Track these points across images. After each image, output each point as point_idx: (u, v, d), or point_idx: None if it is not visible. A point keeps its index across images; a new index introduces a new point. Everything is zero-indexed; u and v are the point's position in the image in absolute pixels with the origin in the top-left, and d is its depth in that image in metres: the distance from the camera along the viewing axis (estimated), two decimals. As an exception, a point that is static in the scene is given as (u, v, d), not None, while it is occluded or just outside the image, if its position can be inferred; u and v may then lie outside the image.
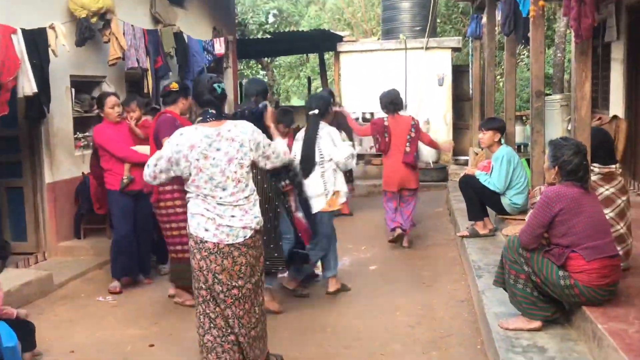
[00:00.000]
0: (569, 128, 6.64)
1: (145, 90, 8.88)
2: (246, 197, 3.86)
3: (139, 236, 6.41)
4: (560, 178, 4.06)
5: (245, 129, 3.88)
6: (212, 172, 3.76)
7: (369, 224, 8.94)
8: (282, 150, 4.13)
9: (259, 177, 5.12)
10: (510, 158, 6.49)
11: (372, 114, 13.00)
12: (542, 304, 4.13)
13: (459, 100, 14.08)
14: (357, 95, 13.48)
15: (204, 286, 3.85)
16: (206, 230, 3.78)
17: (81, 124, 8.21)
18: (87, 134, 8.25)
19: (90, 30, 7.60)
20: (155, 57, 9.16)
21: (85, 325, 5.43)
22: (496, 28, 10.39)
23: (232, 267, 3.82)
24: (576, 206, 3.93)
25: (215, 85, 3.92)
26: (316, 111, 5.75)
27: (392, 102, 7.32)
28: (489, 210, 6.84)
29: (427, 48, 13.35)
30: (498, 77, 15.88)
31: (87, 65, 8.06)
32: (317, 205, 5.69)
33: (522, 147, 11.10)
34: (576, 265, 3.92)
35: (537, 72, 6.27)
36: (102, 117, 6.46)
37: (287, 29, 21.43)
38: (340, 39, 14.06)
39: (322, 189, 5.69)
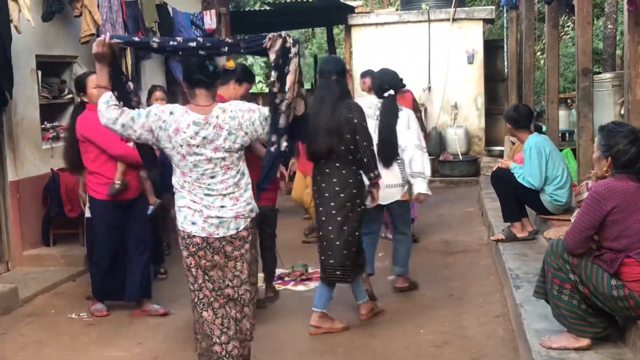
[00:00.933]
0: (622, 112, 6.61)
1: (124, 72, 8.89)
2: (236, 184, 4.02)
3: (132, 254, 6.01)
4: (612, 170, 4.04)
5: (235, 114, 4.00)
6: (197, 160, 3.93)
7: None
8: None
9: (343, 171, 5.23)
10: (540, 148, 6.45)
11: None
12: (591, 318, 4.12)
13: (492, 80, 14.05)
14: (372, 76, 13.46)
15: (195, 286, 4.02)
16: (193, 223, 3.95)
17: (49, 112, 8.24)
18: (56, 123, 8.29)
19: (59, 3, 7.62)
20: (135, 33, 9.18)
21: (55, 346, 5.46)
22: (536, -5, 10.36)
23: (225, 264, 3.97)
24: (631, 204, 3.92)
25: (207, 62, 4.03)
26: (392, 92, 6.08)
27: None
28: (528, 209, 6.83)
29: (454, 20, 13.33)
30: (538, 53, 15.84)
31: (55, 44, 8.09)
32: (391, 195, 5.95)
33: (567, 134, 11.07)
34: (631, 273, 3.90)
35: (584, 46, 6.26)
36: (81, 105, 6.14)
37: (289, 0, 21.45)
38: (351, 10, 14.06)
39: (400, 180, 5.99)
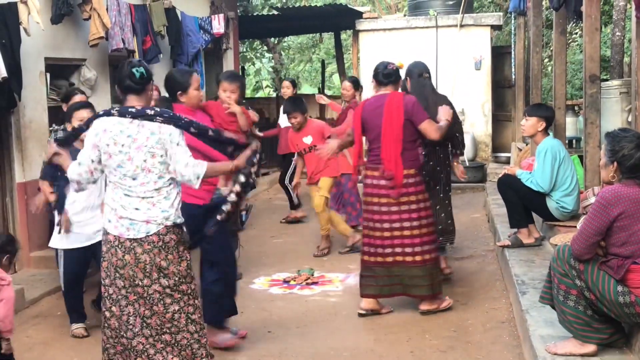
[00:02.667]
0: (630, 119, 6.61)
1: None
2: (157, 190, 4.12)
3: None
4: (619, 176, 4.04)
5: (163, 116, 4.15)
6: (121, 160, 4.09)
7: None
8: (192, 170, 4.14)
9: (441, 155, 6.18)
10: (556, 152, 6.45)
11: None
12: (597, 324, 4.11)
13: (500, 87, 14.05)
14: (380, 82, 13.47)
15: (106, 281, 4.18)
16: (109, 221, 4.15)
17: (57, 114, 8.27)
18: (64, 126, 8.30)
19: (68, 5, 7.65)
20: (144, 36, 9.23)
21: (61, 348, 5.47)
22: (543, 2, 10.36)
23: (136, 264, 4.10)
24: (639, 209, 3.92)
25: (134, 69, 4.17)
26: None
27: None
28: (534, 216, 6.82)
29: (462, 26, 13.34)
30: (545, 59, 15.82)
31: (64, 46, 8.13)
32: None
33: (574, 141, 11.05)
34: (638, 280, 3.90)
35: (592, 53, 6.26)
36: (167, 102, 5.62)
37: (297, 4, 21.47)
38: (359, 15, 14.08)
39: None
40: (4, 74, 6.70)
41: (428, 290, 5.66)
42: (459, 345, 5.17)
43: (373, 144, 5.72)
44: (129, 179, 4.10)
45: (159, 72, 10.03)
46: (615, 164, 4.03)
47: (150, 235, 4.09)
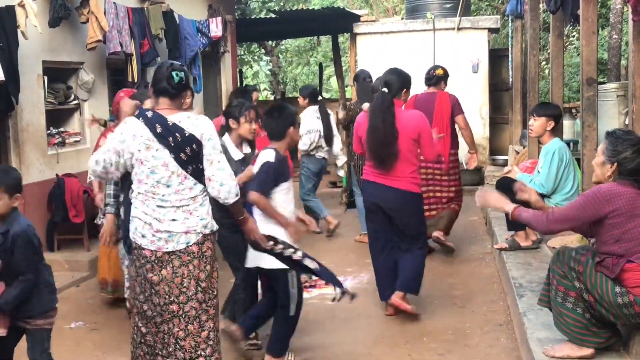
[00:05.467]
0: (627, 122, 6.61)
1: (130, 79, 8.94)
2: (192, 197, 4.00)
3: None
4: (617, 176, 4.05)
5: (197, 123, 4.03)
6: (154, 165, 3.95)
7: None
8: (229, 180, 4.05)
9: None
10: (563, 155, 6.42)
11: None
12: (594, 328, 4.12)
13: (497, 90, 14.05)
14: (377, 85, 13.47)
15: (140, 297, 4.06)
16: (143, 236, 3.99)
17: (55, 117, 8.27)
18: (61, 129, 8.31)
19: (65, 9, 7.65)
20: (141, 40, 9.22)
21: (59, 352, 5.43)
22: (540, 5, 10.37)
23: (172, 279, 3.97)
24: (632, 208, 3.94)
25: (174, 72, 4.04)
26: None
27: None
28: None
29: (459, 29, 13.34)
30: (543, 62, 15.82)
31: (62, 50, 8.12)
32: None
33: (571, 144, 11.03)
34: (634, 279, 3.91)
35: (589, 56, 6.27)
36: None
37: (294, 7, 21.48)
38: (357, 18, 14.07)
39: None
40: (2, 77, 6.71)
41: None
42: (456, 348, 5.18)
43: None
44: (163, 187, 3.97)
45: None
46: (615, 164, 4.04)
47: (190, 245, 3.99)
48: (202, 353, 4.05)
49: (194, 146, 3.97)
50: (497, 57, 14.25)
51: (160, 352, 4.04)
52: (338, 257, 7.88)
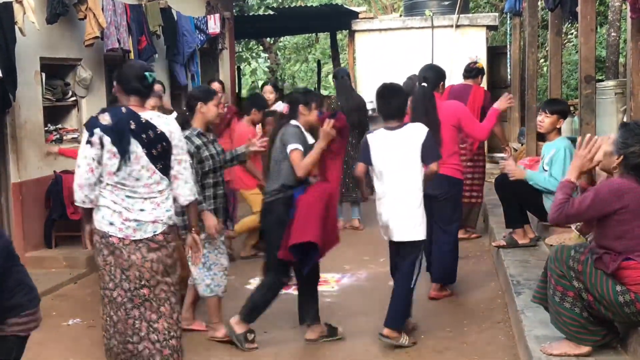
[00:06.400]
0: (625, 119, 6.62)
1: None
2: (160, 191, 4.19)
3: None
4: (622, 170, 4.03)
5: (167, 121, 4.25)
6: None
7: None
8: (191, 179, 4.36)
9: None
10: (570, 153, 6.40)
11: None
12: (592, 326, 4.12)
13: (495, 87, 14.02)
14: (375, 82, 13.43)
15: (110, 285, 4.16)
16: (111, 224, 4.12)
17: (53, 114, 8.26)
18: (59, 125, 8.30)
19: (63, 5, 7.64)
20: (139, 36, 9.20)
21: (57, 348, 5.46)
22: (539, 2, 10.37)
23: (142, 264, 4.13)
24: (639, 207, 3.93)
25: (147, 73, 4.22)
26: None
27: None
28: (529, 216, 6.82)
29: (457, 26, 13.34)
30: (541, 60, 15.82)
31: (59, 46, 8.11)
32: None
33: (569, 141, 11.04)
34: (634, 276, 3.91)
35: (587, 54, 6.27)
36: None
37: (293, 4, 21.47)
38: (355, 15, 14.08)
39: None
40: (-1, 74, 6.69)
41: None
42: (454, 345, 5.18)
43: None
44: (133, 179, 4.10)
45: (155, 72, 10.02)
46: (621, 157, 4.02)
47: (157, 234, 4.16)
48: (174, 334, 4.21)
49: (164, 144, 4.16)
50: (495, 55, 14.25)
51: (130, 339, 4.14)
52: (336, 254, 7.85)
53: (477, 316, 5.75)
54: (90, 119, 4.19)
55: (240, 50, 22.53)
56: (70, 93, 8.46)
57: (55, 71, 8.32)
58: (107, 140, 4.05)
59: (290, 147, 5.05)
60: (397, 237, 5.16)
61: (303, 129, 5.24)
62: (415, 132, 5.12)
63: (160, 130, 4.16)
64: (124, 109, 4.14)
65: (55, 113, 8.31)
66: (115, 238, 4.10)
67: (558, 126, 6.50)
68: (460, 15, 13.29)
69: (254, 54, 24.85)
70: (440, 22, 13.49)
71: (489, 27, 13.77)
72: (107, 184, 4.11)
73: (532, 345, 4.40)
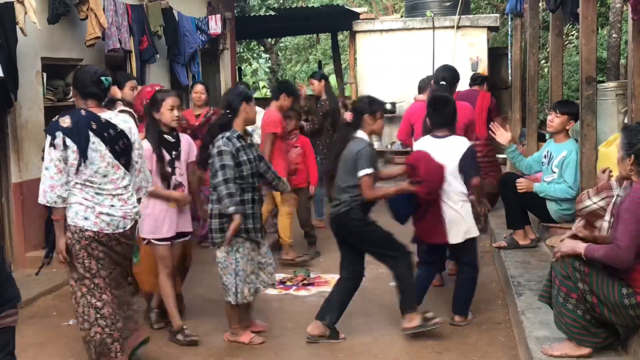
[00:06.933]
0: (626, 121, 6.61)
1: (129, 76, 8.92)
2: (124, 187, 4.52)
3: None
4: (637, 169, 4.02)
5: (125, 119, 4.60)
6: (92, 157, 4.36)
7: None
8: (147, 170, 4.84)
9: None
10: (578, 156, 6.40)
11: (393, 104, 12.99)
12: (594, 329, 4.11)
13: (496, 88, 14.04)
14: (376, 83, 13.48)
15: (87, 275, 4.44)
16: (86, 218, 4.39)
17: (54, 114, 8.22)
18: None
19: (64, 5, 7.65)
20: (140, 37, 9.21)
21: (56, 348, 5.46)
22: (540, 3, 10.37)
23: (110, 255, 4.49)
24: None
25: (104, 78, 4.51)
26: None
27: None
28: (530, 217, 6.82)
29: (458, 27, 13.35)
30: (542, 61, 15.81)
31: (61, 46, 8.11)
32: None
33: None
34: (642, 280, 3.90)
35: (588, 55, 6.26)
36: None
37: (294, 5, 21.48)
38: (356, 16, 14.09)
39: None
40: (0, 74, 6.69)
41: None
42: (454, 346, 5.18)
43: None
44: (100, 176, 4.40)
45: (156, 72, 10.05)
46: (632, 157, 4.01)
47: (127, 229, 4.50)
48: (122, 314, 4.63)
49: (125, 140, 4.49)
50: (496, 56, 14.26)
51: (119, 319, 4.54)
52: (337, 255, 7.86)
53: (477, 317, 5.74)
54: (51, 123, 4.46)
55: (241, 50, 22.54)
56: (71, 93, 8.45)
57: (57, 71, 8.32)
58: (69, 141, 4.31)
59: (362, 173, 5.14)
60: (452, 240, 5.46)
61: (368, 139, 5.38)
62: (459, 145, 5.45)
63: (120, 128, 4.48)
64: (83, 112, 4.43)
65: (56, 113, 8.15)
66: (91, 232, 4.38)
67: (567, 127, 6.51)
68: (462, 16, 13.30)
69: (255, 55, 24.86)
70: (441, 23, 13.50)
71: (490, 28, 13.78)
72: (76, 183, 4.38)
73: (532, 346, 4.40)
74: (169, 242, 5.44)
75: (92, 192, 4.39)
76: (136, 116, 6.43)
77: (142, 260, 5.41)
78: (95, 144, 4.35)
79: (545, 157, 6.65)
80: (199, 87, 8.50)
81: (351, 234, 5.35)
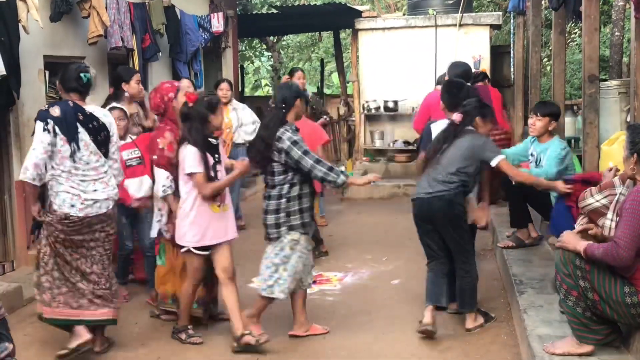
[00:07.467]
0: (628, 119, 6.61)
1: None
2: (104, 172, 5.00)
3: None
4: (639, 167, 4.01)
5: (105, 113, 5.15)
6: (79, 146, 4.82)
7: (391, 231, 8.94)
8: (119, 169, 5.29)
9: None
10: (566, 154, 6.37)
11: (395, 102, 12.98)
12: (594, 326, 4.12)
13: (499, 86, 13.98)
14: (378, 81, 13.47)
15: (67, 252, 4.94)
16: (72, 206, 4.83)
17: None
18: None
19: (67, 3, 7.65)
20: (143, 35, 9.22)
21: (59, 346, 5.46)
22: (543, 1, 10.36)
23: (90, 233, 4.92)
24: None
25: (82, 74, 4.92)
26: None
27: None
28: (533, 215, 6.82)
29: (461, 25, 13.32)
30: (544, 59, 15.82)
31: (63, 44, 8.12)
32: None
33: (572, 141, 11.05)
34: (647, 279, 3.90)
35: (591, 53, 6.26)
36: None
37: (296, 3, 21.47)
38: (358, 14, 14.06)
39: None
40: (3, 71, 6.69)
41: None
42: (457, 344, 5.18)
43: None
44: (83, 164, 4.85)
45: (158, 70, 10.06)
46: (635, 155, 4.01)
47: (110, 209, 4.99)
48: (103, 287, 5.05)
49: (105, 132, 4.97)
50: (499, 54, 14.23)
51: (71, 279, 4.96)
52: (339, 253, 7.89)
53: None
54: (41, 111, 4.87)
55: (244, 48, 22.55)
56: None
57: (59, 69, 8.30)
58: (58, 129, 4.75)
59: (499, 158, 5.29)
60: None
61: None
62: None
63: (102, 121, 4.97)
64: (70, 103, 4.88)
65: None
66: (76, 217, 4.82)
67: (550, 128, 6.50)
68: (464, 14, 13.27)
69: (257, 53, 24.86)
70: (443, 21, 13.47)
71: (493, 26, 13.74)
72: (62, 171, 4.82)
73: (534, 344, 4.41)
74: (208, 252, 5.30)
75: (77, 179, 4.84)
76: (143, 112, 6.50)
77: (167, 262, 5.64)
78: (81, 133, 4.82)
79: (532, 155, 6.62)
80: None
81: (450, 217, 5.32)
